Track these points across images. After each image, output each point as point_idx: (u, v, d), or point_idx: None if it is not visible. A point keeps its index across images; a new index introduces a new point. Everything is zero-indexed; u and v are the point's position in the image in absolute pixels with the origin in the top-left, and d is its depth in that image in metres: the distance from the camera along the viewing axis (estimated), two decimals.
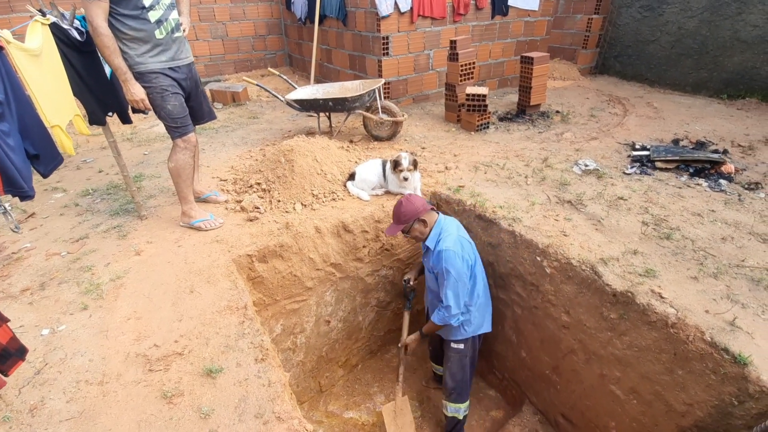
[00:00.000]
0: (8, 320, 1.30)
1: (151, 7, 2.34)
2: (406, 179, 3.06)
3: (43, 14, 2.07)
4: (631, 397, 2.26)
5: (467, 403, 2.91)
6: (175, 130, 2.62)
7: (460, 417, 2.89)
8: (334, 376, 3.59)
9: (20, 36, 2.03)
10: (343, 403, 3.51)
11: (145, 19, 2.33)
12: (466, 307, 2.52)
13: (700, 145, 3.85)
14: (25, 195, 1.62)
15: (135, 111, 2.67)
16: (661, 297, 2.11)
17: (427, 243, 2.51)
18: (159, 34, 2.40)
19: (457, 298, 2.39)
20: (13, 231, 1.73)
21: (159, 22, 2.39)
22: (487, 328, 2.71)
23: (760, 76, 5.12)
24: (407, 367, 3.31)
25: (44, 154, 1.80)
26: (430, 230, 2.50)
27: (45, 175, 1.87)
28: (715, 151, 3.65)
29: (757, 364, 1.77)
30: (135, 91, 2.39)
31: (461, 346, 2.67)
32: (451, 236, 2.42)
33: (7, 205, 1.86)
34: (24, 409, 1.66)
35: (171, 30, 2.47)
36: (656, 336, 2.06)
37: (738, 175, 3.32)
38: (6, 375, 1.28)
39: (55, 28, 2.12)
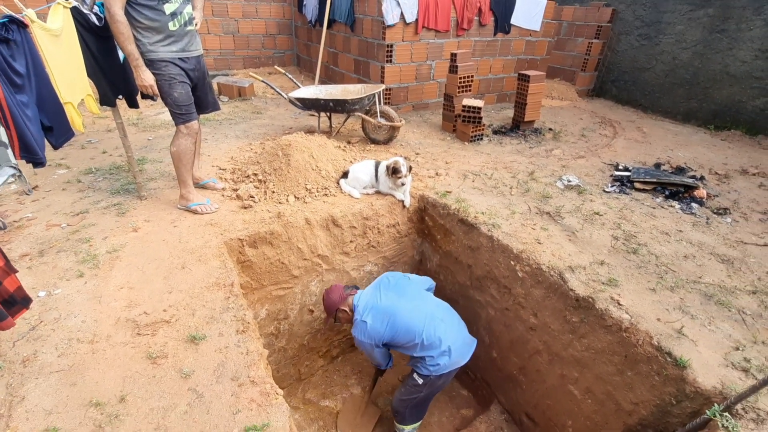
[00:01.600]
0: (17, 271, 1.44)
1: (167, 0, 2.50)
2: (403, 184, 3.23)
3: None
4: (586, 397, 2.41)
5: (416, 425, 2.95)
6: (180, 117, 2.78)
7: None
8: (314, 365, 3.72)
9: (43, 16, 2.19)
10: (320, 392, 3.63)
11: (161, 10, 2.49)
12: (413, 350, 2.54)
13: (680, 170, 4.04)
14: (38, 161, 1.77)
15: (144, 96, 2.84)
16: (619, 304, 2.28)
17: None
18: (172, 25, 2.56)
19: (373, 361, 2.76)
20: (26, 194, 1.88)
21: (173, 14, 2.55)
22: (454, 365, 2.55)
23: (745, 110, 5.34)
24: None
25: (57, 127, 1.95)
26: (353, 314, 2.61)
27: (56, 147, 2.02)
28: (693, 177, 3.84)
29: (695, 368, 1.93)
30: (145, 77, 2.54)
31: (420, 381, 2.59)
32: (356, 317, 2.55)
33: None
34: (17, 360, 1.80)
35: (184, 23, 2.63)
36: (611, 339, 2.22)
37: (710, 200, 3.50)
38: (13, 319, 1.42)
39: (75, 11, 2.29)
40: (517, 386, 2.98)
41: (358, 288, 2.75)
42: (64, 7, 2.21)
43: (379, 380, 3.39)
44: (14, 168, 1.62)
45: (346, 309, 2.63)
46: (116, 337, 1.92)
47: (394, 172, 3.18)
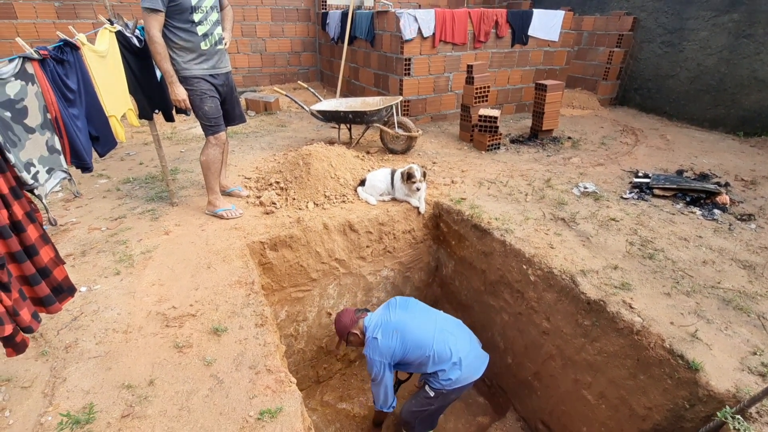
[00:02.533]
0: (64, 263, 1.63)
1: (200, 23, 2.75)
2: (418, 189, 3.32)
3: (112, 23, 2.51)
4: (600, 402, 2.39)
5: None
6: (209, 128, 3.01)
7: None
8: (332, 368, 3.81)
9: (91, 40, 2.46)
10: (338, 395, 3.71)
11: (194, 32, 2.74)
12: (424, 366, 2.53)
13: (703, 176, 3.95)
14: (86, 167, 1.99)
15: (178, 111, 3.09)
16: (631, 307, 2.27)
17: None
18: (204, 45, 2.81)
19: (378, 397, 2.63)
20: (75, 195, 2.09)
21: (205, 35, 2.80)
22: (466, 380, 2.54)
23: None
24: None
25: (103, 137, 2.18)
26: (365, 337, 2.61)
27: (101, 155, 2.25)
28: (717, 184, 3.75)
29: (708, 371, 1.90)
30: (179, 92, 2.78)
31: (432, 394, 2.58)
32: (368, 336, 2.54)
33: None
34: (60, 347, 1.99)
35: (215, 43, 2.88)
36: (623, 342, 2.21)
37: (734, 206, 3.41)
38: (60, 304, 1.60)
39: (119, 35, 2.56)
40: (532, 392, 2.97)
41: (368, 311, 2.77)
42: (110, 31, 2.48)
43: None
44: (65, 172, 1.83)
45: (357, 332, 2.61)
46: (147, 328, 2.09)
47: (408, 177, 3.29)
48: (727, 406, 1.76)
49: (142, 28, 2.85)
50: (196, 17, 2.72)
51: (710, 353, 2.00)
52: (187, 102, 2.85)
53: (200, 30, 2.76)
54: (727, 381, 1.89)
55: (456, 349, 2.50)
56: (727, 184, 3.79)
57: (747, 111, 5.43)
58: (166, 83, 2.79)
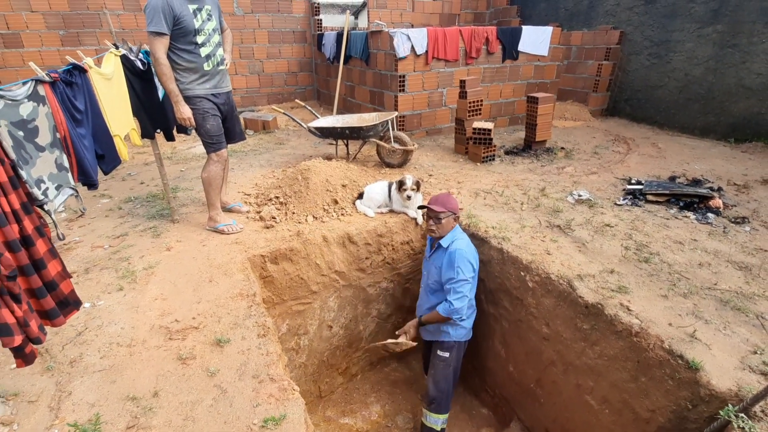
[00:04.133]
0: (71, 276, 1.66)
1: (203, 44, 2.86)
2: (409, 198, 3.38)
3: (117, 47, 2.61)
4: (603, 407, 2.38)
5: (447, 415, 2.99)
6: (211, 146, 3.09)
7: (438, 429, 2.96)
8: (334, 382, 3.79)
9: (98, 63, 2.55)
10: (340, 410, 3.68)
11: (197, 53, 2.85)
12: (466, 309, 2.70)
13: (696, 182, 4.02)
14: (93, 184, 2.05)
15: (179, 131, 3.17)
16: (629, 309, 2.30)
17: (442, 242, 2.67)
18: (207, 66, 2.92)
19: (463, 297, 2.57)
20: (81, 212, 2.15)
21: (208, 56, 2.91)
22: (467, 336, 2.91)
23: (765, 121, 5.28)
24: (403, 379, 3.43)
25: (108, 156, 2.25)
26: (449, 232, 2.70)
27: (106, 173, 2.31)
28: (710, 189, 3.82)
29: (708, 370, 1.92)
30: (183, 111, 2.86)
31: (446, 354, 2.83)
32: (464, 241, 2.71)
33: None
34: (65, 361, 2.01)
35: (217, 63, 2.99)
36: (622, 345, 2.23)
37: (728, 210, 3.47)
38: (65, 318, 1.63)
39: (124, 58, 2.66)
40: (535, 401, 2.96)
41: None
42: (115, 55, 2.58)
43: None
44: (73, 189, 1.88)
45: (455, 221, 2.71)
46: (151, 342, 2.11)
47: (400, 185, 3.36)
48: (730, 405, 1.77)
49: (146, 51, 2.96)
50: (199, 39, 2.83)
51: (710, 353, 2.02)
52: (192, 120, 2.93)
53: (203, 51, 2.87)
54: (729, 380, 1.90)
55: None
56: (719, 189, 3.86)
57: (736, 118, 5.55)
58: (171, 103, 2.87)
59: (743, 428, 1.69)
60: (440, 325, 2.81)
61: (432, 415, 2.96)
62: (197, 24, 2.80)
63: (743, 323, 2.23)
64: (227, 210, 3.54)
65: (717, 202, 3.46)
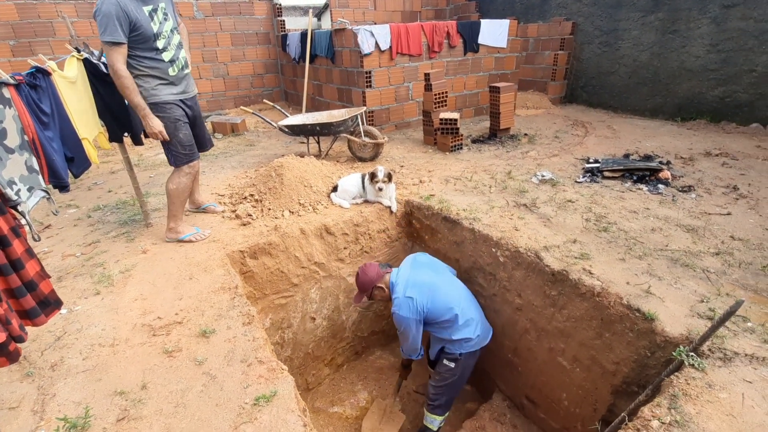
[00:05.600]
0: (50, 276, 1.67)
1: (164, 49, 2.67)
2: (380, 189, 3.49)
3: (79, 51, 2.57)
4: (575, 366, 2.56)
5: (445, 416, 3.06)
6: (184, 157, 2.90)
7: (434, 429, 3.03)
8: (321, 374, 3.85)
9: (61, 67, 2.51)
10: (328, 400, 3.74)
11: (160, 59, 2.66)
12: (449, 327, 2.70)
13: (647, 157, 4.32)
14: (63, 186, 2.04)
15: (146, 135, 3.10)
16: (591, 273, 2.48)
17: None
18: (172, 71, 2.74)
19: (408, 348, 2.79)
20: (54, 214, 2.12)
21: (172, 61, 2.73)
22: (479, 344, 2.76)
23: (706, 100, 5.70)
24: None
25: (77, 158, 2.23)
26: (390, 292, 2.72)
27: (76, 175, 2.29)
28: (660, 163, 4.12)
29: (663, 319, 2.11)
30: (154, 124, 2.66)
31: (452, 365, 2.74)
32: (398, 295, 2.63)
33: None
34: (46, 366, 1.99)
35: (182, 67, 2.82)
36: (587, 305, 2.41)
37: (675, 180, 3.76)
38: (46, 317, 1.63)
39: (86, 62, 2.62)
40: (513, 370, 3.12)
41: (391, 266, 2.83)
42: (78, 59, 2.54)
43: (403, 384, 3.47)
44: (45, 191, 1.87)
45: (383, 287, 2.66)
46: (134, 340, 2.11)
47: (372, 176, 3.47)
48: (682, 347, 1.96)
49: None
50: (160, 44, 2.64)
51: (663, 305, 2.22)
52: (165, 133, 2.73)
53: (166, 56, 2.69)
54: (680, 326, 2.10)
55: (474, 316, 2.77)
56: (668, 162, 4.16)
57: (681, 98, 5.96)
58: (139, 116, 2.67)
59: (693, 365, 1.88)
60: (438, 345, 2.82)
61: (430, 415, 3.04)
62: (155, 27, 2.59)
63: (691, 277, 2.45)
64: (201, 210, 3.53)
65: (666, 174, 3.74)
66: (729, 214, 3.15)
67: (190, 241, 3.08)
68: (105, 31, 2.39)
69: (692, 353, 1.93)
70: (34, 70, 1.97)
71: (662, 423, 1.59)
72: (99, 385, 1.85)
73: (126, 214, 3.65)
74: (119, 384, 1.84)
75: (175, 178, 2.97)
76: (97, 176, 4.81)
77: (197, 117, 3.09)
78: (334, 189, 3.70)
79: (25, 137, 1.75)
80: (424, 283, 2.65)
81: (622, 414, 1.81)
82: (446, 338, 2.73)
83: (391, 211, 3.62)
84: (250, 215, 3.39)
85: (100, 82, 2.76)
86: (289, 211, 3.46)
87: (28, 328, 1.66)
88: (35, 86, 1.89)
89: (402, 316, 2.59)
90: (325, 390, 3.82)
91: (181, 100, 2.85)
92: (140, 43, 2.57)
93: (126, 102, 3.00)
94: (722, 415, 1.61)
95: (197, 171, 3.15)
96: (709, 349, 1.98)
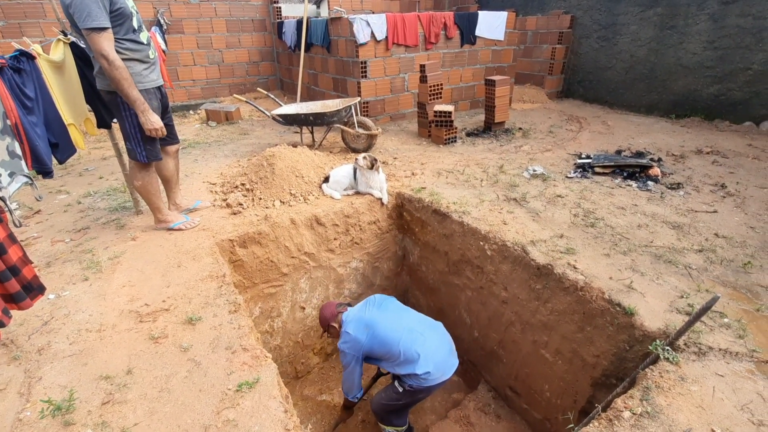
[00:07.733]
0: (32, 262, 1.67)
1: (140, 29, 2.44)
2: (362, 167, 3.47)
3: (65, 34, 2.54)
4: (557, 359, 2.61)
5: (397, 428, 2.91)
6: (156, 153, 2.71)
7: None
8: (310, 362, 3.89)
9: (47, 51, 2.49)
10: (317, 388, 3.79)
11: (140, 41, 2.44)
12: (393, 362, 2.56)
13: (639, 154, 4.34)
14: (47, 172, 2.03)
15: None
16: (575, 268, 2.52)
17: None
18: (151, 53, 2.55)
19: (344, 384, 2.77)
20: (37, 200, 2.12)
21: (148, 42, 2.52)
22: (434, 381, 2.49)
23: (701, 97, 5.72)
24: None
25: (62, 144, 2.22)
26: (341, 330, 2.67)
27: (61, 162, 2.28)
28: (651, 159, 4.14)
29: (642, 314, 2.15)
30: (153, 120, 2.45)
31: (400, 389, 2.63)
32: (345, 333, 2.59)
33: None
34: (33, 350, 2.01)
35: (153, 49, 2.59)
36: (570, 299, 2.45)
37: (665, 177, 3.79)
38: (31, 301, 1.64)
39: (73, 46, 2.59)
40: (498, 361, 3.17)
41: (350, 306, 2.83)
42: (64, 42, 2.51)
43: (340, 427, 3.26)
44: (28, 177, 1.87)
45: (336, 325, 2.70)
46: (121, 326, 2.13)
47: (356, 159, 3.46)
48: (658, 341, 2.01)
49: None
50: (135, 23, 2.42)
51: (644, 300, 2.26)
52: (164, 130, 2.55)
53: (143, 37, 2.46)
54: (659, 321, 2.14)
55: (424, 352, 2.48)
56: (659, 159, 4.19)
57: (676, 95, 5.97)
58: (137, 111, 2.44)
59: (668, 359, 1.92)
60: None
61: (380, 423, 2.94)
62: (130, 4, 2.35)
63: (673, 273, 2.49)
64: (190, 212, 3.46)
65: (656, 170, 3.77)
66: (715, 211, 3.19)
67: (180, 230, 3.08)
68: (88, 17, 2.13)
69: (668, 347, 1.97)
70: (17, 53, 1.95)
71: (633, 414, 1.64)
72: (85, 369, 1.87)
73: (116, 201, 3.65)
74: (105, 368, 1.87)
75: (137, 173, 2.75)
76: (89, 162, 4.78)
77: (167, 106, 2.88)
78: (326, 180, 3.70)
79: (8, 121, 1.75)
80: (365, 321, 2.60)
81: (597, 407, 1.85)
82: (393, 371, 2.63)
83: (382, 203, 3.64)
84: (240, 204, 3.39)
85: (88, 66, 2.72)
86: (280, 201, 3.46)
87: (14, 312, 1.67)
88: (19, 70, 1.87)
89: (341, 350, 2.60)
90: (314, 378, 3.86)
91: (157, 88, 2.63)
92: (119, 24, 2.32)
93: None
94: (692, 407, 1.66)
95: (176, 158, 3.06)
96: (685, 344, 2.02)
